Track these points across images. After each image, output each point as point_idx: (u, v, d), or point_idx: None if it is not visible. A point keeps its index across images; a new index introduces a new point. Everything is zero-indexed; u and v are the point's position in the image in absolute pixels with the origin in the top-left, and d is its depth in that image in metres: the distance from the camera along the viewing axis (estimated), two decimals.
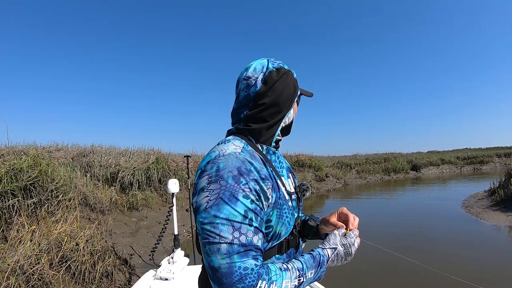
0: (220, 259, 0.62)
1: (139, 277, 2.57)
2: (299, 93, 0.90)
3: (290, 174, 0.92)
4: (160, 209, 6.26)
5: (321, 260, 0.75)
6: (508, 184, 7.35)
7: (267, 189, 0.71)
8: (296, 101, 0.89)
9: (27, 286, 2.42)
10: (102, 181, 5.75)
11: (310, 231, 0.88)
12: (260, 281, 0.62)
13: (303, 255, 0.77)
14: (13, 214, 3.18)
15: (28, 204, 3.33)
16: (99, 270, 2.96)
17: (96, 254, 3.05)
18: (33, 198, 3.41)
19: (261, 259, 0.67)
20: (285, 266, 0.71)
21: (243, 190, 0.66)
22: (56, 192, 3.68)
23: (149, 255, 3.73)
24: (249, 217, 0.65)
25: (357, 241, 0.81)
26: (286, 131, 0.91)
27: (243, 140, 0.80)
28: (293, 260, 0.74)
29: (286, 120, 0.88)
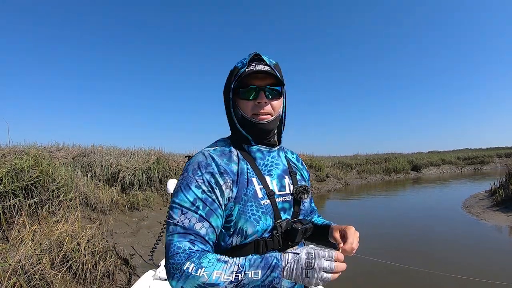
0: (167, 236, 0.71)
1: (140, 277, 2.57)
2: (232, 86, 0.83)
3: (287, 176, 0.90)
4: (161, 209, 6.26)
5: (273, 263, 0.68)
6: (509, 184, 7.34)
7: (224, 183, 0.76)
8: (249, 96, 0.83)
9: (29, 286, 2.42)
10: (103, 181, 5.75)
11: (295, 235, 0.80)
12: (188, 262, 0.66)
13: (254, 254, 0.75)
14: (14, 214, 3.18)
15: (29, 204, 3.33)
16: (100, 270, 2.97)
17: (97, 254, 3.05)
18: (34, 198, 3.41)
19: (200, 245, 0.70)
20: (225, 259, 0.69)
21: (197, 181, 0.75)
22: (57, 192, 3.68)
23: (149, 255, 3.73)
24: (196, 204, 0.72)
25: (326, 258, 0.67)
26: (251, 129, 0.85)
27: (227, 140, 0.89)
28: (242, 256, 0.71)
29: (238, 117, 0.86)
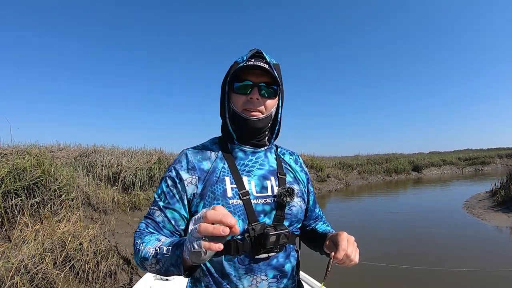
0: None
1: (141, 277, 2.58)
2: (228, 79, 0.83)
3: (272, 177, 0.85)
4: None
5: (181, 242, 0.64)
6: (509, 184, 7.34)
7: (187, 178, 0.80)
8: (242, 90, 0.82)
9: (31, 285, 2.43)
10: (105, 181, 5.77)
11: (265, 240, 0.73)
12: (139, 239, 0.76)
13: None
14: (17, 213, 3.19)
15: (31, 204, 3.34)
16: (103, 269, 2.98)
17: (99, 253, 3.06)
18: (36, 198, 3.42)
19: (152, 230, 0.78)
20: (161, 238, 0.74)
21: (166, 176, 0.83)
22: (59, 192, 3.69)
23: None
24: (160, 196, 0.81)
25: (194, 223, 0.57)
26: (240, 125, 0.84)
27: (215, 139, 0.91)
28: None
29: (230, 113, 0.85)
